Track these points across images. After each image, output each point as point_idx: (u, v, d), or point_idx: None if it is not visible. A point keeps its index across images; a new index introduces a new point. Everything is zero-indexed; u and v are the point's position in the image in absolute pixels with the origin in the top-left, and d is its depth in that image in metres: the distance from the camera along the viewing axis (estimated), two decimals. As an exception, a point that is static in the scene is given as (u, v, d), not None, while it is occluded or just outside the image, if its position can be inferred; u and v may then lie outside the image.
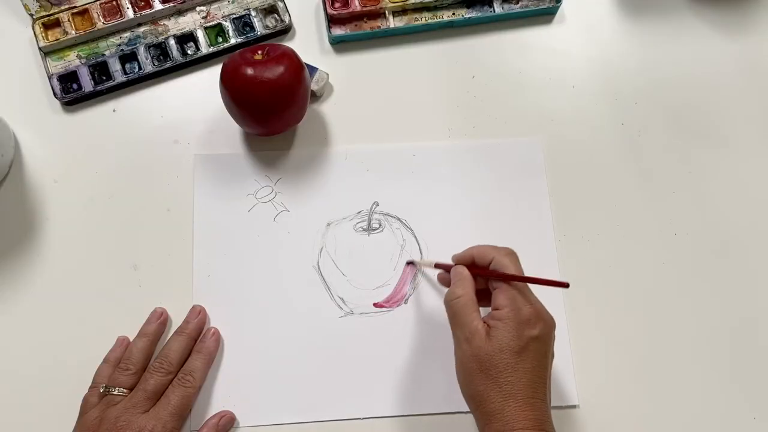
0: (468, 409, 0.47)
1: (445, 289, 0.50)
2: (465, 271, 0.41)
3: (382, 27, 0.55)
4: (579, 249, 0.50)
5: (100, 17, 0.53)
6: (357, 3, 0.54)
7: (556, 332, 0.40)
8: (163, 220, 0.50)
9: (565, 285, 0.38)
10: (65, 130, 0.53)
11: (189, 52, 0.54)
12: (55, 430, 0.44)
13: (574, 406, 0.46)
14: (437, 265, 0.47)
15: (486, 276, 0.41)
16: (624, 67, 0.55)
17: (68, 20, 0.53)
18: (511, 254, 0.41)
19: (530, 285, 0.40)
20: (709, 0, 0.57)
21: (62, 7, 0.54)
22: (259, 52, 0.48)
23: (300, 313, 0.48)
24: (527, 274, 0.40)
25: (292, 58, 0.47)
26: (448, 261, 0.50)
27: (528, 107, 0.54)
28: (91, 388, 0.45)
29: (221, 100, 0.49)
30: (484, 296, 0.41)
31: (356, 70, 0.55)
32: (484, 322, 0.39)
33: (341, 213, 0.51)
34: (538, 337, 0.38)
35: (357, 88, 0.54)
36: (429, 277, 0.49)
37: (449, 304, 0.41)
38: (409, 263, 0.50)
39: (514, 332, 0.38)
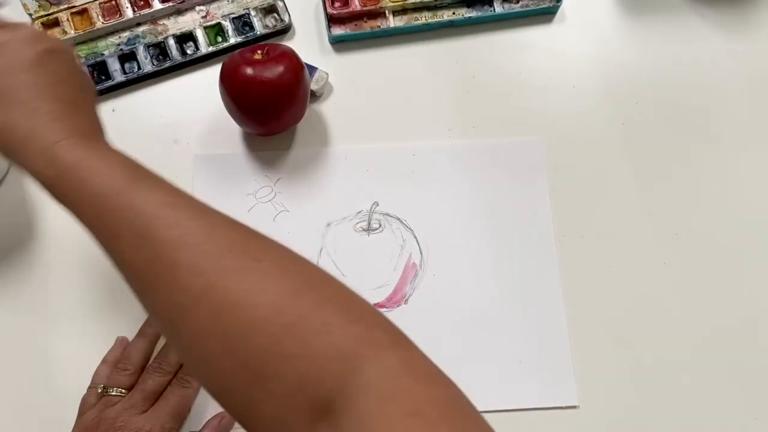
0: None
1: (445, 287, 0.50)
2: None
3: (382, 27, 0.54)
4: (579, 249, 0.50)
5: (99, 17, 0.53)
6: (357, 3, 0.54)
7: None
8: (163, 220, 0.50)
9: None
10: (64, 130, 0.52)
11: (188, 51, 0.54)
12: (54, 431, 0.44)
13: (574, 407, 0.46)
14: None
15: None
16: (624, 67, 0.55)
17: (67, 20, 0.53)
18: None
19: None
20: (709, 0, 0.57)
21: (61, 7, 0.53)
22: (259, 51, 0.48)
23: (300, 313, 0.48)
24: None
25: (291, 57, 0.47)
26: (449, 261, 0.50)
27: (528, 107, 0.54)
28: (89, 388, 0.44)
29: (221, 100, 0.48)
30: None
31: (356, 70, 0.55)
32: None
33: (341, 213, 0.51)
34: (53, 50, 0.34)
35: (357, 88, 0.54)
36: (429, 277, 0.49)
37: None
38: None
39: (22, 47, 0.33)
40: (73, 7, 0.53)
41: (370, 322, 0.28)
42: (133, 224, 0.30)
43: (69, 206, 0.32)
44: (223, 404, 0.29)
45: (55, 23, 0.53)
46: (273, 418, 0.27)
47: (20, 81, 0.33)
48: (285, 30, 0.55)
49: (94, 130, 0.34)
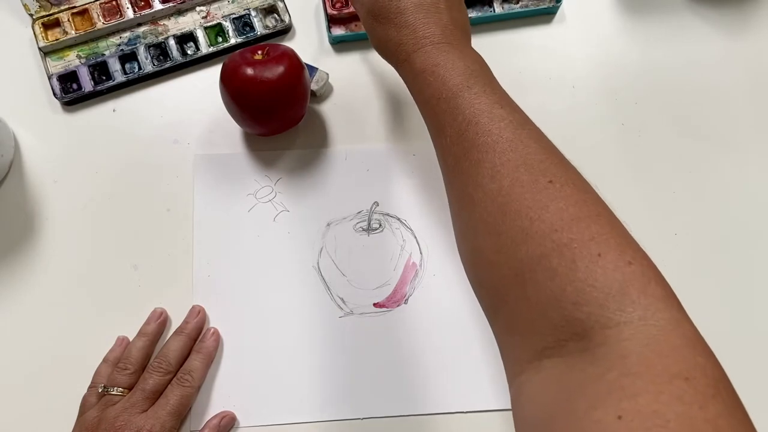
0: (468, 409, 0.47)
1: (445, 287, 0.50)
2: None
3: None
4: (579, 249, 0.50)
5: (100, 17, 0.54)
6: (357, 3, 0.54)
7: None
8: (163, 220, 0.50)
9: None
10: (65, 130, 0.53)
11: (189, 52, 0.54)
12: (55, 430, 0.44)
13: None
14: None
15: None
16: (624, 67, 0.55)
17: (68, 20, 0.53)
18: None
19: None
20: (709, 0, 0.57)
21: (62, 7, 0.54)
22: (259, 52, 0.48)
23: (300, 313, 0.48)
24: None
25: (292, 58, 0.47)
26: (449, 261, 0.50)
27: (528, 107, 0.54)
28: (90, 387, 0.45)
29: (221, 100, 0.49)
30: None
31: (356, 70, 0.55)
32: None
33: (341, 213, 0.51)
34: None
35: (357, 88, 0.54)
36: (429, 277, 0.49)
37: None
38: None
39: None
40: (74, 7, 0.54)
41: (644, 268, 0.28)
42: (454, 123, 0.34)
43: (417, 102, 0.38)
44: (479, 293, 0.33)
45: (56, 23, 0.53)
46: (524, 320, 0.29)
47: (389, 1, 0.38)
48: (285, 30, 0.55)
49: (446, 36, 0.37)
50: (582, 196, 0.31)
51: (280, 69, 0.46)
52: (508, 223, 0.30)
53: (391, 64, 0.40)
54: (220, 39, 0.54)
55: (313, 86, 0.52)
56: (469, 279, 0.34)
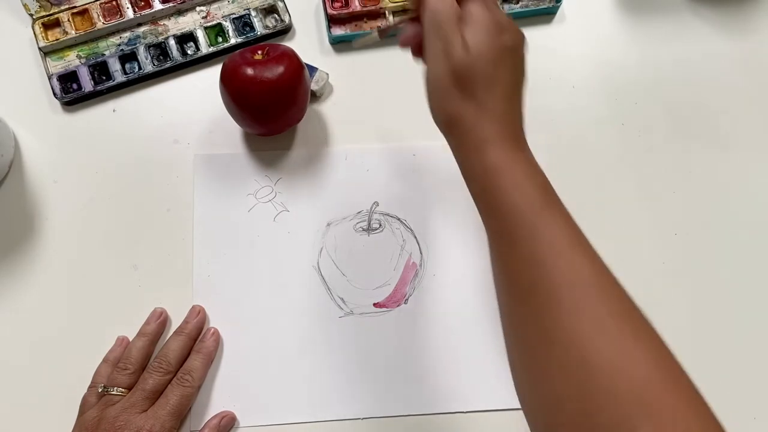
0: (468, 409, 0.47)
1: (445, 287, 0.50)
2: None
3: (382, 26, 0.54)
4: (579, 249, 0.50)
5: (100, 17, 0.54)
6: (357, 3, 0.54)
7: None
8: (163, 220, 0.50)
9: None
10: (65, 130, 0.53)
11: (189, 52, 0.54)
12: (55, 430, 0.44)
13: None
14: (400, 22, 0.41)
15: None
16: (624, 67, 0.55)
17: (68, 20, 0.53)
18: None
19: None
20: (709, 0, 0.57)
21: (62, 7, 0.54)
22: (259, 52, 0.48)
23: (300, 313, 0.48)
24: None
25: (292, 58, 0.47)
26: (449, 261, 0.50)
27: (528, 107, 0.54)
28: (89, 387, 0.45)
29: (221, 100, 0.49)
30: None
31: (356, 70, 0.55)
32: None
33: (341, 213, 0.51)
34: (512, 48, 0.35)
35: (357, 88, 0.54)
36: (429, 277, 0.49)
37: (432, 14, 0.35)
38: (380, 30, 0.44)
39: (490, 38, 0.34)
40: (74, 7, 0.54)
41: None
42: (528, 244, 0.31)
43: (478, 197, 0.34)
44: (527, 407, 0.31)
45: (56, 23, 0.53)
46: None
47: (483, 72, 0.34)
48: (285, 30, 0.55)
49: (521, 132, 0.35)
50: (664, 352, 0.29)
51: (280, 69, 0.46)
52: (594, 377, 0.27)
53: (445, 136, 0.36)
54: (220, 39, 0.54)
55: (313, 86, 0.52)
56: (523, 409, 0.32)
